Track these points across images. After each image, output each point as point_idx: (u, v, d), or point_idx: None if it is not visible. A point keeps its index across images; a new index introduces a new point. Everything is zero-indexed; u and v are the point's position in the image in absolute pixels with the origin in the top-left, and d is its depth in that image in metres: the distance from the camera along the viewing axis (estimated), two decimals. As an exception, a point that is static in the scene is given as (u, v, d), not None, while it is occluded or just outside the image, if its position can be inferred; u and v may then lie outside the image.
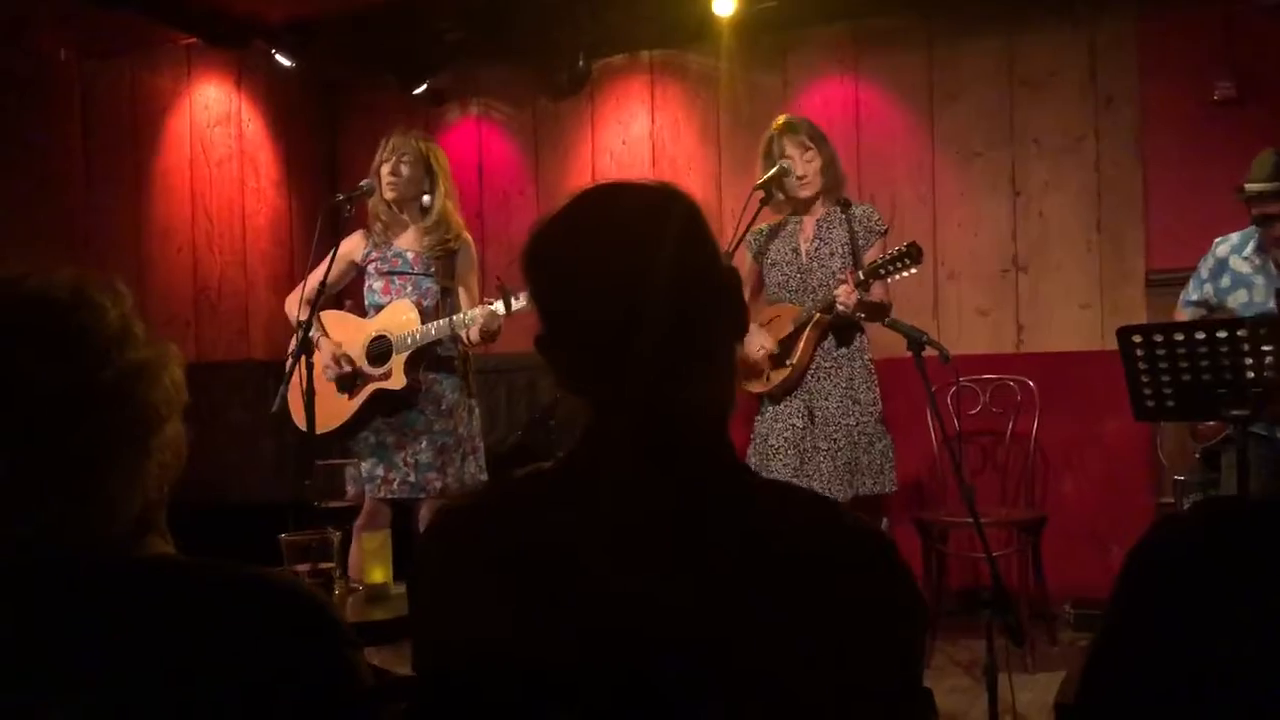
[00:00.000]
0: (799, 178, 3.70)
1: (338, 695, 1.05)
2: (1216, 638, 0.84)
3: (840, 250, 3.70)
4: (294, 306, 3.81)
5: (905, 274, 3.55)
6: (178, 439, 1.13)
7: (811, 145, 3.71)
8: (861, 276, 3.56)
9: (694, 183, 5.36)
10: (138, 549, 1.09)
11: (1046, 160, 4.90)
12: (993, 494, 4.55)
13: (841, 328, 3.68)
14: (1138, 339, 2.92)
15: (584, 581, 0.96)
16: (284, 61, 5.28)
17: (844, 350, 3.70)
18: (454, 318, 3.57)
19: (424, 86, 5.64)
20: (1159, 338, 2.88)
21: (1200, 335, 2.82)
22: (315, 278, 3.66)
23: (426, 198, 3.74)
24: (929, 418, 4.27)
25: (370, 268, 3.79)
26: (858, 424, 3.65)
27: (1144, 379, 2.94)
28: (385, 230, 3.77)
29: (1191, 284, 3.72)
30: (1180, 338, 2.85)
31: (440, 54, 5.59)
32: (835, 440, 3.62)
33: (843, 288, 3.54)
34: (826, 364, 3.68)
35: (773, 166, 3.71)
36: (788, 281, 3.75)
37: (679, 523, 0.98)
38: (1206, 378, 2.84)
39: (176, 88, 5.21)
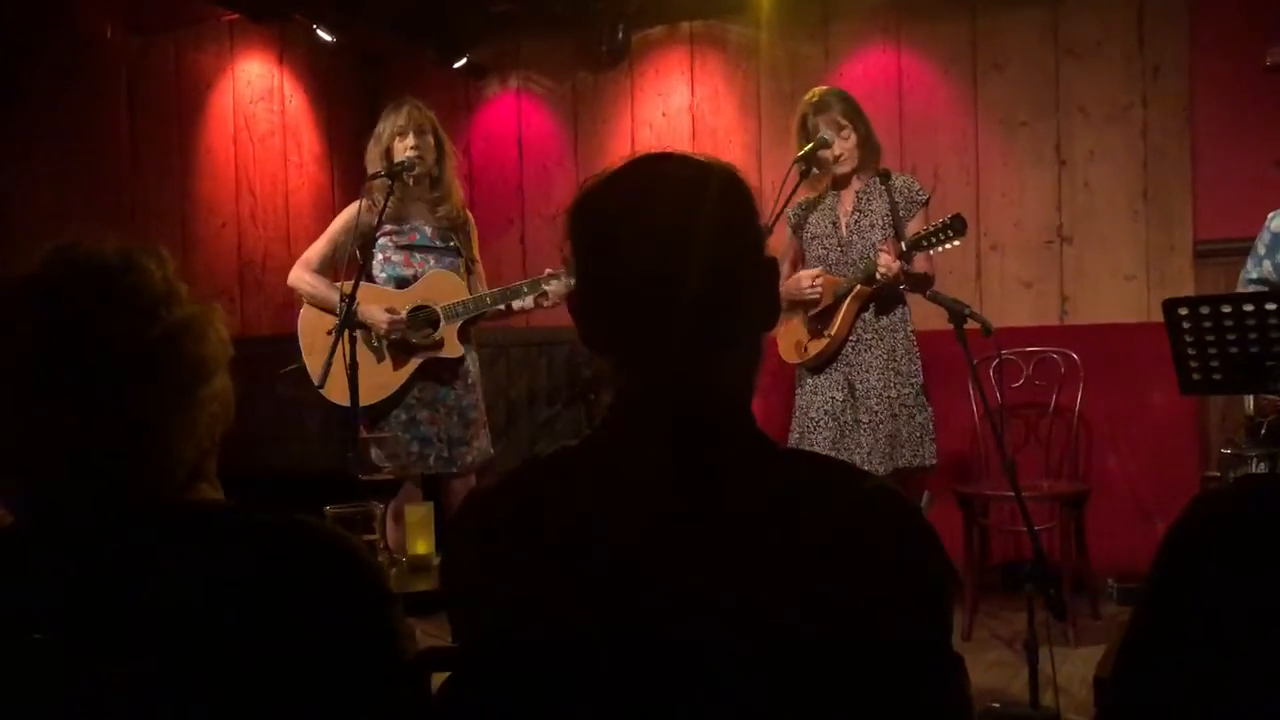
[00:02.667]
0: (835, 156, 3.67)
1: (375, 640, 1.10)
2: (1254, 616, 0.83)
3: (881, 221, 3.67)
4: (306, 273, 3.74)
5: (949, 246, 3.52)
6: (226, 391, 1.19)
7: (846, 122, 3.66)
8: (904, 247, 3.53)
9: (734, 155, 5.33)
10: (191, 494, 1.15)
11: (1092, 129, 4.83)
12: (1036, 468, 4.51)
13: (883, 299, 3.65)
14: (1184, 311, 2.87)
15: (612, 553, 0.97)
16: (325, 36, 5.30)
17: (885, 321, 3.67)
18: (505, 289, 3.65)
19: (464, 60, 5.66)
20: (1205, 310, 2.84)
21: (1249, 308, 2.78)
22: (325, 248, 3.69)
23: (435, 169, 3.74)
24: (970, 391, 4.24)
25: (384, 240, 3.73)
26: (899, 396, 3.63)
27: (1190, 352, 2.90)
28: (401, 205, 3.71)
29: (1250, 262, 3.65)
30: (1228, 310, 2.80)
31: (480, 27, 5.59)
32: (876, 413, 3.61)
33: (884, 257, 3.51)
34: (868, 336, 3.66)
35: (807, 141, 3.68)
36: (828, 255, 3.73)
37: (703, 493, 0.99)
38: (1255, 350, 2.79)
39: (220, 64, 5.26)
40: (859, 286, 3.61)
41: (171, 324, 1.13)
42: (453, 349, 3.66)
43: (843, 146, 3.66)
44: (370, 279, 3.74)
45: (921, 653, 0.96)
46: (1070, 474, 4.45)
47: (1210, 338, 2.84)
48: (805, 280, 3.67)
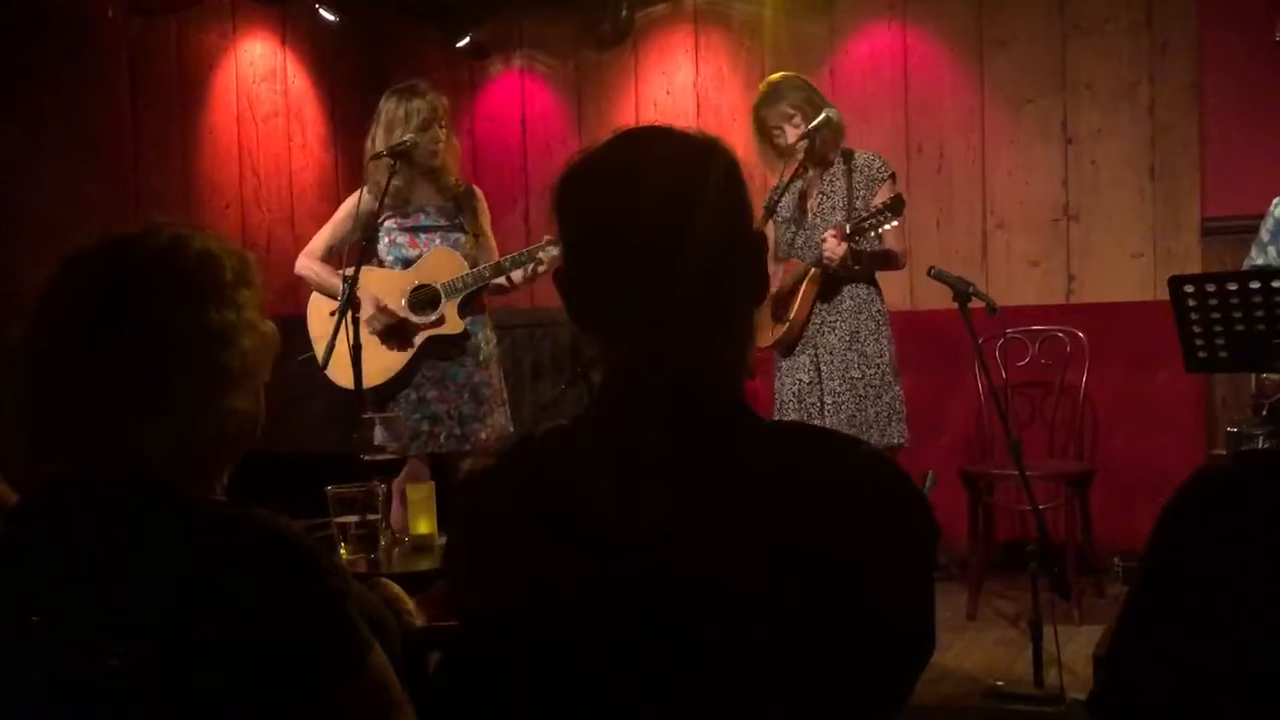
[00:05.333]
0: (790, 145, 3.64)
1: (315, 630, 1.11)
2: (1251, 589, 0.83)
3: (841, 204, 3.65)
4: (312, 262, 3.76)
5: (888, 226, 3.49)
6: (244, 414, 1.20)
7: (795, 111, 3.63)
8: (848, 230, 3.50)
9: (738, 134, 5.29)
10: (188, 491, 1.16)
11: (1099, 106, 4.79)
12: (1041, 447, 4.51)
13: (842, 280, 3.62)
14: (1190, 289, 2.86)
15: (608, 530, 0.98)
16: (328, 16, 5.28)
17: (849, 304, 3.63)
18: (502, 260, 3.62)
19: (467, 39, 5.63)
20: (1211, 287, 2.83)
21: (1255, 285, 2.77)
22: (331, 235, 3.68)
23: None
24: (976, 369, 4.23)
25: (389, 223, 3.73)
26: (863, 377, 3.60)
27: (1196, 329, 2.89)
28: (408, 186, 3.70)
29: (1254, 249, 3.62)
30: (1234, 288, 2.79)
31: (483, 6, 5.57)
32: (838, 395, 3.59)
33: (829, 241, 3.47)
34: (831, 318, 3.63)
35: (764, 138, 3.65)
36: (794, 239, 3.71)
37: (696, 469, 0.99)
38: (1261, 328, 2.78)
39: (222, 44, 5.24)
40: (813, 270, 3.59)
41: (214, 323, 1.16)
42: (454, 325, 3.65)
43: (793, 134, 3.63)
44: (379, 263, 3.74)
45: (899, 619, 0.96)
46: (1075, 453, 4.45)
47: (1216, 315, 2.83)
48: None
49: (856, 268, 3.56)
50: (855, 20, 5.16)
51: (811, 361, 3.64)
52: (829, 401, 3.59)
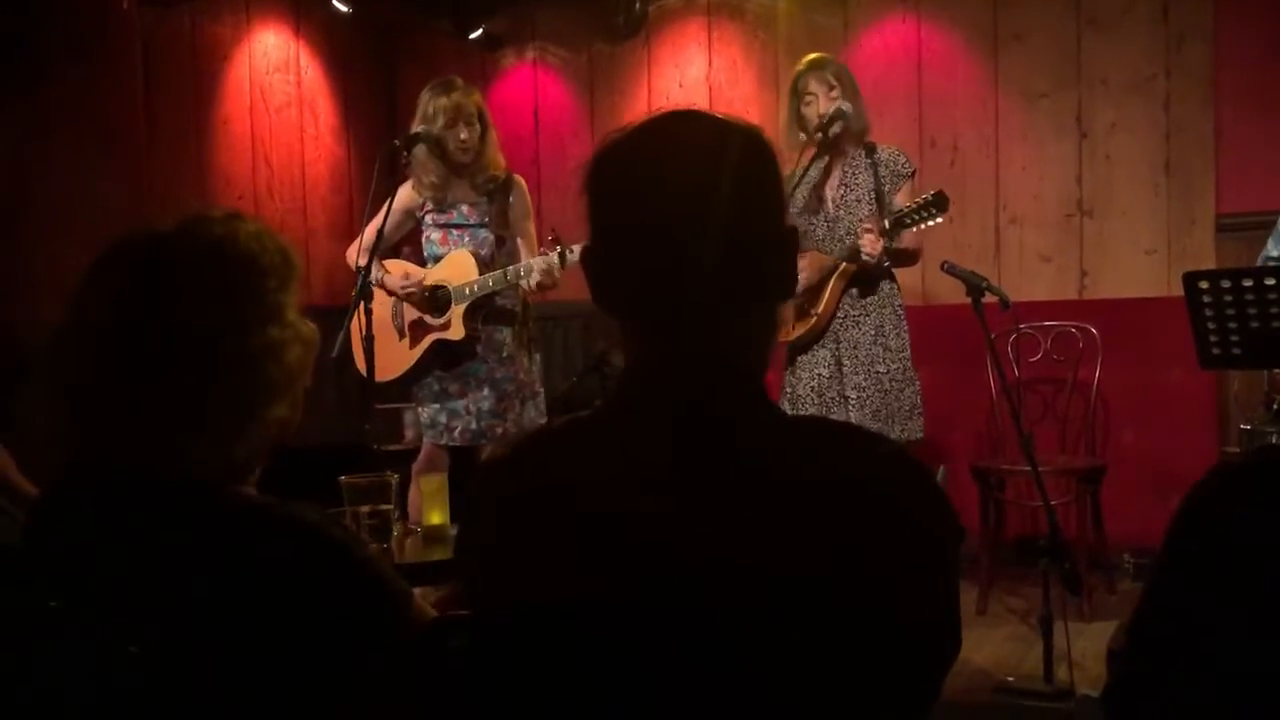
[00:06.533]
0: (819, 115, 3.62)
1: (366, 593, 1.12)
2: (1264, 586, 0.82)
3: (866, 197, 3.64)
4: (354, 256, 3.82)
5: (931, 223, 3.48)
6: (288, 418, 1.19)
7: (836, 83, 3.63)
8: (887, 225, 3.49)
9: (751, 127, 5.30)
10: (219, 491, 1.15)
11: (1114, 101, 4.77)
12: (1052, 442, 4.49)
13: (869, 276, 3.62)
14: (1204, 285, 2.85)
15: (624, 522, 0.97)
16: (341, 7, 5.28)
17: (872, 298, 3.64)
18: (509, 269, 3.58)
19: (480, 31, 5.63)
20: (1226, 284, 2.81)
21: (1270, 282, 2.76)
22: (373, 227, 3.69)
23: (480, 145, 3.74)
24: (988, 364, 4.22)
25: (427, 218, 3.80)
26: (887, 372, 3.60)
27: (1210, 326, 2.87)
28: (443, 183, 3.74)
29: (1270, 241, 3.60)
30: (1249, 284, 2.78)
31: (496, -2, 5.56)
32: (863, 389, 3.58)
33: (867, 237, 3.47)
34: (855, 312, 3.63)
35: (794, 105, 3.65)
36: (814, 230, 3.70)
37: (713, 462, 0.98)
38: (1276, 325, 2.77)
39: (236, 35, 5.24)
40: (844, 265, 3.58)
41: (260, 342, 1.13)
42: (456, 331, 3.64)
43: (830, 106, 3.61)
44: (418, 257, 3.82)
45: (929, 609, 0.95)
46: (1087, 449, 4.43)
47: (1230, 312, 2.82)
48: None
49: (888, 264, 3.57)
50: (869, 13, 5.14)
51: (832, 356, 3.63)
52: (853, 396, 3.59)
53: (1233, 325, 2.83)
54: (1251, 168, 4.48)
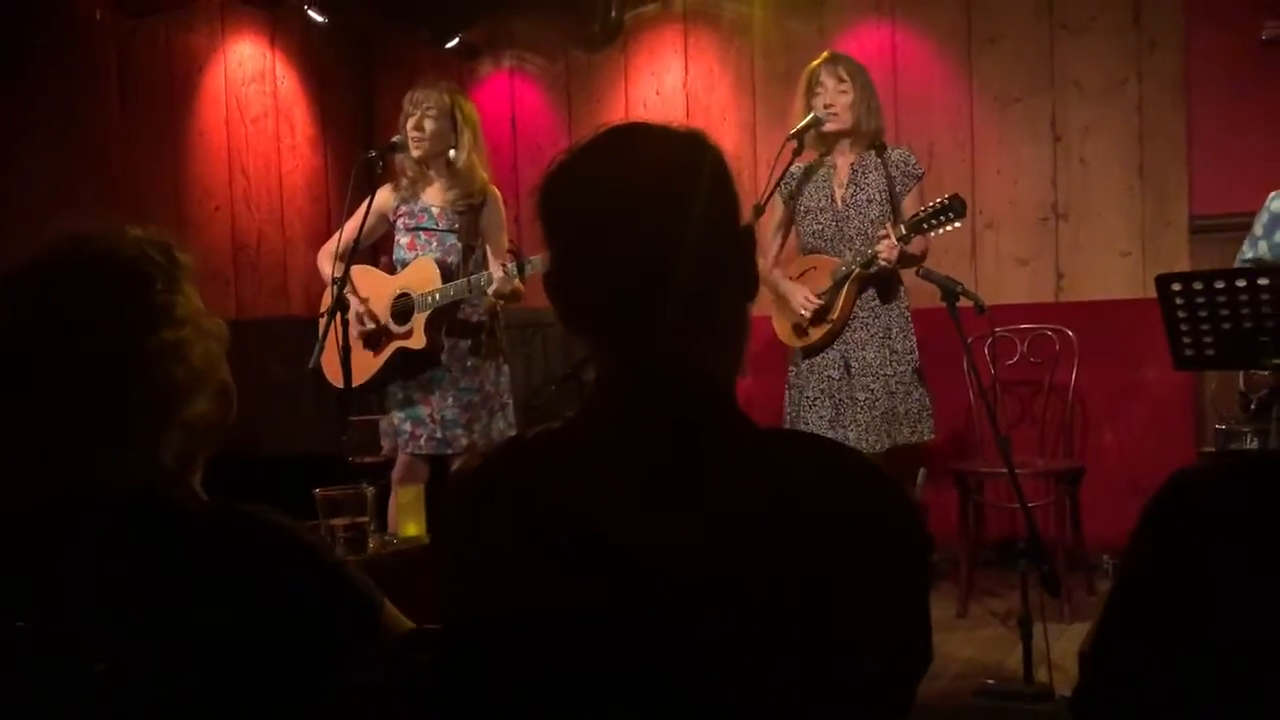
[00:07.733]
0: (827, 106, 3.63)
1: (335, 597, 1.12)
2: (1225, 592, 0.83)
3: (878, 197, 3.66)
4: (325, 261, 3.78)
5: (949, 228, 3.50)
6: (211, 414, 1.18)
7: (847, 79, 3.64)
8: (904, 230, 3.51)
9: (729, 133, 5.32)
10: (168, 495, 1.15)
11: (1088, 105, 4.81)
12: (1030, 445, 4.52)
13: (881, 280, 3.65)
14: (1177, 287, 2.88)
15: (596, 534, 0.97)
16: (316, 17, 5.26)
17: (881, 300, 3.67)
18: (471, 279, 3.57)
19: (456, 40, 5.62)
20: (1199, 286, 2.84)
21: (1241, 283, 2.78)
22: (348, 232, 3.67)
23: (452, 152, 3.70)
24: (965, 368, 4.24)
25: (398, 223, 3.77)
26: (895, 374, 3.63)
27: (1183, 327, 2.90)
28: (413, 185, 3.74)
29: (1246, 244, 3.63)
30: (1221, 286, 2.80)
31: (472, 7, 5.56)
32: (873, 391, 3.61)
33: (884, 244, 3.49)
34: (864, 314, 3.66)
35: (808, 103, 3.66)
36: (824, 230, 3.71)
37: (684, 473, 0.98)
38: (1248, 326, 2.80)
39: (211, 45, 5.23)
40: (857, 270, 3.59)
41: (156, 345, 1.12)
42: (417, 340, 3.61)
43: (838, 100, 3.62)
44: (388, 262, 3.81)
45: (899, 620, 0.96)
46: (1065, 451, 4.46)
47: (1203, 313, 2.84)
48: (798, 297, 3.65)
49: (898, 267, 3.59)
50: (844, 19, 5.17)
51: (841, 357, 3.65)
52: (862, 397, 3.61)
53: (1205, 327, 2.86)
54: (1224, 170, 4.52)
